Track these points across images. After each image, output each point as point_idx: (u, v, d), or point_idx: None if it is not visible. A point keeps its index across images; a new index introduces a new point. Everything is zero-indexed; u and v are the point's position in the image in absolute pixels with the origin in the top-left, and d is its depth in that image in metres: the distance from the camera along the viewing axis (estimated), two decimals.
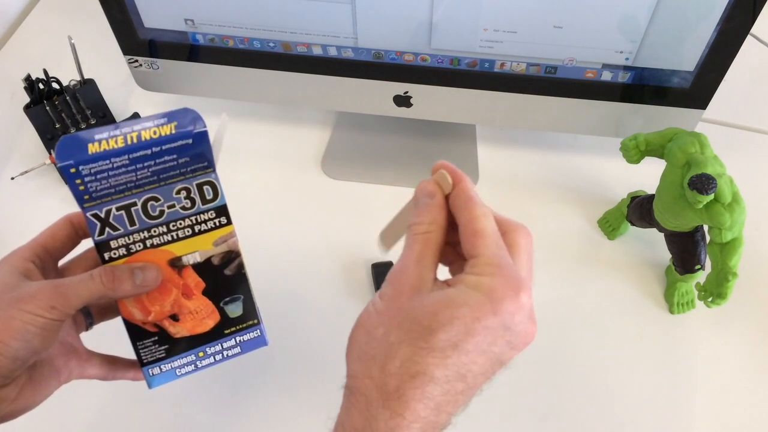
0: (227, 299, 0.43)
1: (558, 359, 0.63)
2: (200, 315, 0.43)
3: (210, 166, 0.40)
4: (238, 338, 0.44)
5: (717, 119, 0.82)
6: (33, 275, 0.40)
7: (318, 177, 0.78)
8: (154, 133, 0.38)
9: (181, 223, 0.41)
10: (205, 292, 0.43)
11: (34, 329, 0.37)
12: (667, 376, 0.62)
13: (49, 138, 0.77)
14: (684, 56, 0.62)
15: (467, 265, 0.34)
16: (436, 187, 0.36)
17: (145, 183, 0.40)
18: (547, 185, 0.77)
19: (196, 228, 0.42)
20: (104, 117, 0.79)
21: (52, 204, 0.75)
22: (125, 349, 0.44)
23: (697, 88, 0.64)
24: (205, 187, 0.41)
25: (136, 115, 0.81)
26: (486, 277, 0.33)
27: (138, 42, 0.71)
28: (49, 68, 0.75)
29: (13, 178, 0.76)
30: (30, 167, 0.76)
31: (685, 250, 0.63)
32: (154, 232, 0.41)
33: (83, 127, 0.78)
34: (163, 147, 0.38)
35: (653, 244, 0.70)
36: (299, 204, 0.76)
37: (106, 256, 0.41)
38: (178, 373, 0.44)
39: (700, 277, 0.62)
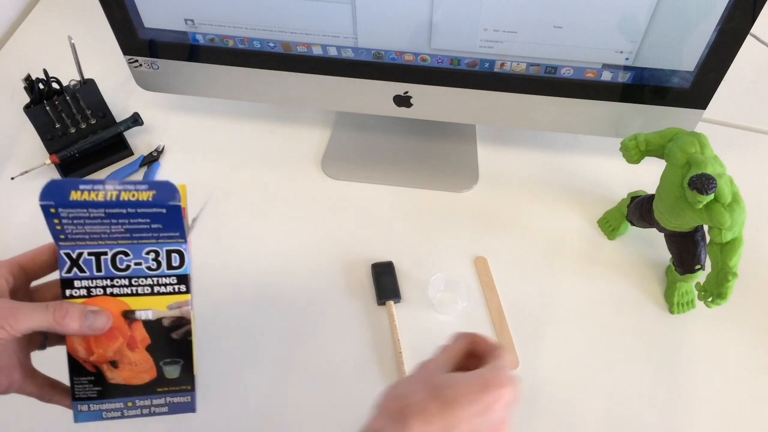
0: (167, 360, 0.45)
1: (558, 359, 0.63)
2: (138, 368, 0.45)
3: (182, 237, 0.43)
4: (168, 398, 0.46)
5: (717, 119, 0.82)
6: (1, 292, 0.41)
7: (318, 177, 0.78)
8: (133, 196, 0.40)
9: (143, 281, 0.44)
10: (148, 348, 0.45)
11: None
12: (667, 376, 0.62)
13: (49, 138, 0.77)
14: (684, 56, 0.62)
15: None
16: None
17: (118, 237, 0.42)
18: (547, 185, 0.77)
19: (156, 289, 0.44)
20: (104, 117, 0.79)
21: None
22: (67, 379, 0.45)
23: (697, 88, 0.64)
24: (173, 254, 0.44)
25: (136, 115, 0.81)
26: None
27: (138, 42, 0.71)
28: (49, 68, 0.75)
29: (13, 178, 0.76)
30: (30, 167, 0.76)
31: (685, 250, 0.63)
32: (117, 282, 0.43)
33: (83, 126, 0.78)
34: (138, 210, 0.41)
35: (653, 244, 0.70)
36: (299, 204, 0.76)
37: (68, 292, 0.43)
38: (104, 416, 0.45)
39: (700, 277, 0.62)
